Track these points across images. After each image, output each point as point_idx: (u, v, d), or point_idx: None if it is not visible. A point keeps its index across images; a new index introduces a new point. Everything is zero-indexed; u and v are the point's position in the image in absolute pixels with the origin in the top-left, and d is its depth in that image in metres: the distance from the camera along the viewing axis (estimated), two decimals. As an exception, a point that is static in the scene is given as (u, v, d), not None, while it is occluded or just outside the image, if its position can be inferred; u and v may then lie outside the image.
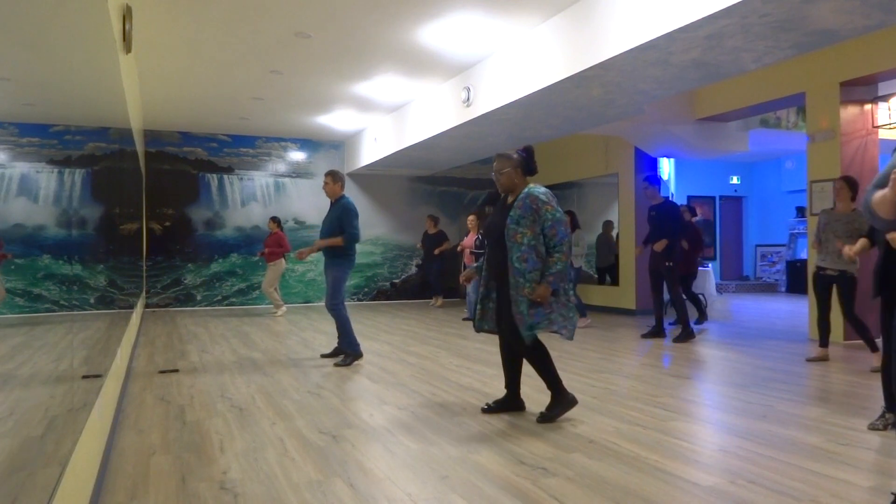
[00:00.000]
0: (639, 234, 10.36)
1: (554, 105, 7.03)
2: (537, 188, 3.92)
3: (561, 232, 3.81)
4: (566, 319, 3.86)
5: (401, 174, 13.14)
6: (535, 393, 4.57)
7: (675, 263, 7.38)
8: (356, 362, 6.00)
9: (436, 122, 8.74)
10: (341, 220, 5.89)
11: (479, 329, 4.15)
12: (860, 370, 5.47)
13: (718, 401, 4.44)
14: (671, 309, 9.77)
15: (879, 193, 2.08)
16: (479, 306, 4.14)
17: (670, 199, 7.84)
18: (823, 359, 5.93)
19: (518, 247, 3.81)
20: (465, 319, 9.67)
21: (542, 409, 4.02)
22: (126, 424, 3.92)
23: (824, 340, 5.95)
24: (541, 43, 6.28)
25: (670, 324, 8.24)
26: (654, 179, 7.60)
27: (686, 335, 7.22)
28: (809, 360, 5.95)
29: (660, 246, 7.37)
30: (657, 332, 7.55)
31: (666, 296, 9.64)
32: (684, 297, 7.73)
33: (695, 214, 8.95)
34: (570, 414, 4.05)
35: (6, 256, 1.44)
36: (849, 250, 5.27)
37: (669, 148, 9.99)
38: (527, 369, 4.98)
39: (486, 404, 4.17)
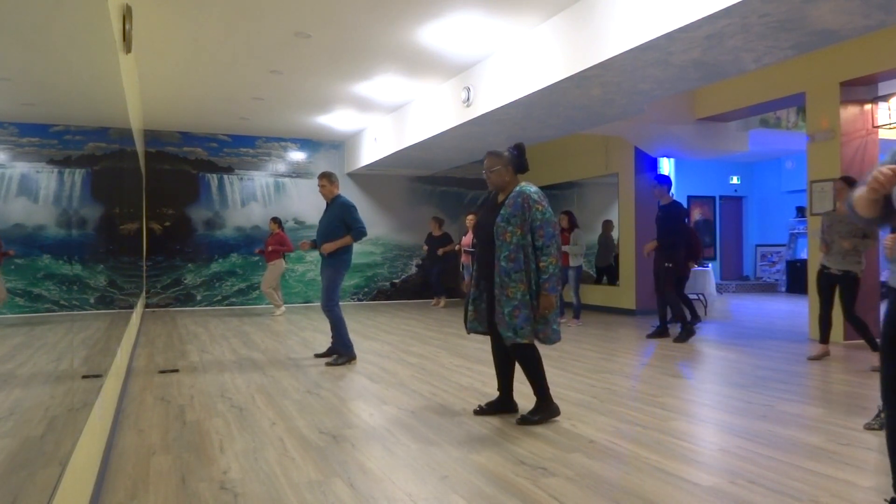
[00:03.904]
0: (639, 234, 10.36)
1: (554, 105, 7.03)
2: (529, 186, 3.85)
3: (549, 232, 3.74)
4: (546, 324, 3.81)
5: (401, 174, 13.14)
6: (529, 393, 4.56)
7: (675, 264, 7.35)
8: (350, 363, 5.98)
9: (436, 122, 8.73)
10: (344, 218, 5.88)
11: (470, 330, 4.09)
12: (860, 370, 5.47)
13: (718, 401, 4.44)
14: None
15: (858, 191, 2.22)
16: (471, 307, 4.07)
17: (676, 199, 7.72)
18: (825, 355, 5.99)
19: (506, 245, 3.75)
20: None
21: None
22: (126, 424, 3.92)
23: (825, 337, 6.01)
24: (541, 43, 6.28)
25: (669, 322, 8.13)
26: (663, 179, 7.54)
27: (686, 333, 7.21)
28: (811, 358, 5.98)
29: (648, 248, 7.52)
30: (662, 332, 7.55)
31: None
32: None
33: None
34: (570, 414, 4.05)
35: (8, 254, 1.43)
36: (847, 244, 5.61)
37: (669, 148, 9.99)
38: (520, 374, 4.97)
39: (479, 406, 4.12)
